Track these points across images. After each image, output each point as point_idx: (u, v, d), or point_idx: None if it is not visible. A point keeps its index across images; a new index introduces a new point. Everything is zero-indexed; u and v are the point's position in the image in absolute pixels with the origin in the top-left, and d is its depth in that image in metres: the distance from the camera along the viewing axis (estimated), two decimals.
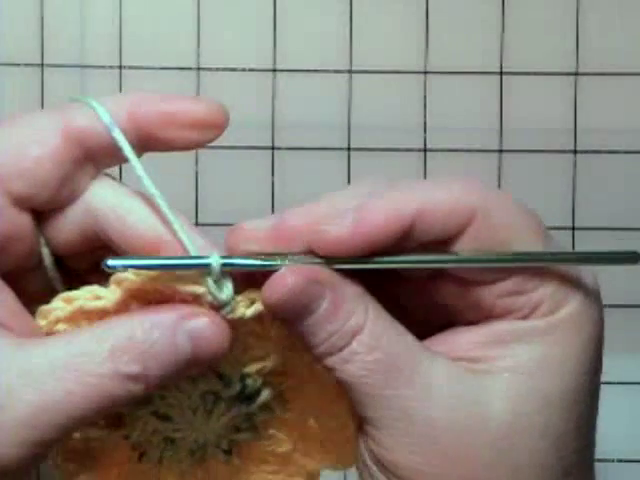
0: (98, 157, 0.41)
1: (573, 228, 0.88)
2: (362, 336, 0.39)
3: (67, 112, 0.40)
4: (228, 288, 0.40)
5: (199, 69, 0.87)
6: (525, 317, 0.41)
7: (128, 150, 0.40)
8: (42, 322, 0.41)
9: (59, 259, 0.43)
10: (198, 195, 0.87)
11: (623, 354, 0.89)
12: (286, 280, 0.39)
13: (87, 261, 0.43)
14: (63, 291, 0.42)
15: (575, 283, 0.41)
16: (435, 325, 0.43)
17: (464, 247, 0.40)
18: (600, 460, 0.89)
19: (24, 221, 0.41)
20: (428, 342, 0.42)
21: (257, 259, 0.40)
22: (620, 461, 0.90)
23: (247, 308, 0.40)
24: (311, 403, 0.45)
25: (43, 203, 0.41)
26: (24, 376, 0.37)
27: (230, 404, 0.44)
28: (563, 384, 0.40)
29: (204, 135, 0.41)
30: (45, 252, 0.42)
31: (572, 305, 0.40)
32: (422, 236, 0.39)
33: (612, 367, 0.92)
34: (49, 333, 0.41)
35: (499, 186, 0.89)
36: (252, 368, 0.43)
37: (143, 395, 0.38)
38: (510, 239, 0.40)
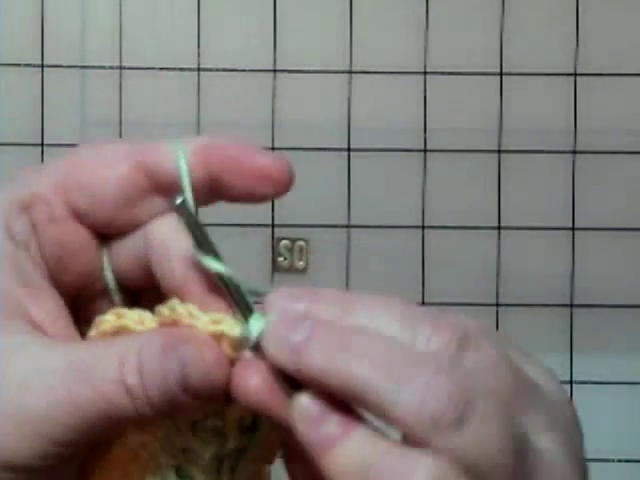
0: (167, 192, 0.41)
1: (573, 228, 0.89)
2: None
3: (146, 145, 0.41)
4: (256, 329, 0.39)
5: (199, 69, 0.87)
6: None
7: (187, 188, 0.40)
8: (92, 332, 0.41)
9: (122, 284, 0.43)
10: None
11: (623, 354, 0.89)
12: None
13: (148, 283, 0.43)
14: None
15: None
16: None
17: None
18: (600, 460, 0.89)
19: (84, 237, 0.41)
20: None
21: None
22: (620, 461, 0.90)
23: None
24: None
25: (101, 223, 0.41)
26: (40, 373, 0.38)
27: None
28: None
29: (268, 188, 0.41)
30: (109, 277, 0.42)
31: None
32: None
33: (612, 367, 0.93)
34: None
35: (499, 186, 0.89)
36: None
37: (149, 413, 0.38)
38: None
